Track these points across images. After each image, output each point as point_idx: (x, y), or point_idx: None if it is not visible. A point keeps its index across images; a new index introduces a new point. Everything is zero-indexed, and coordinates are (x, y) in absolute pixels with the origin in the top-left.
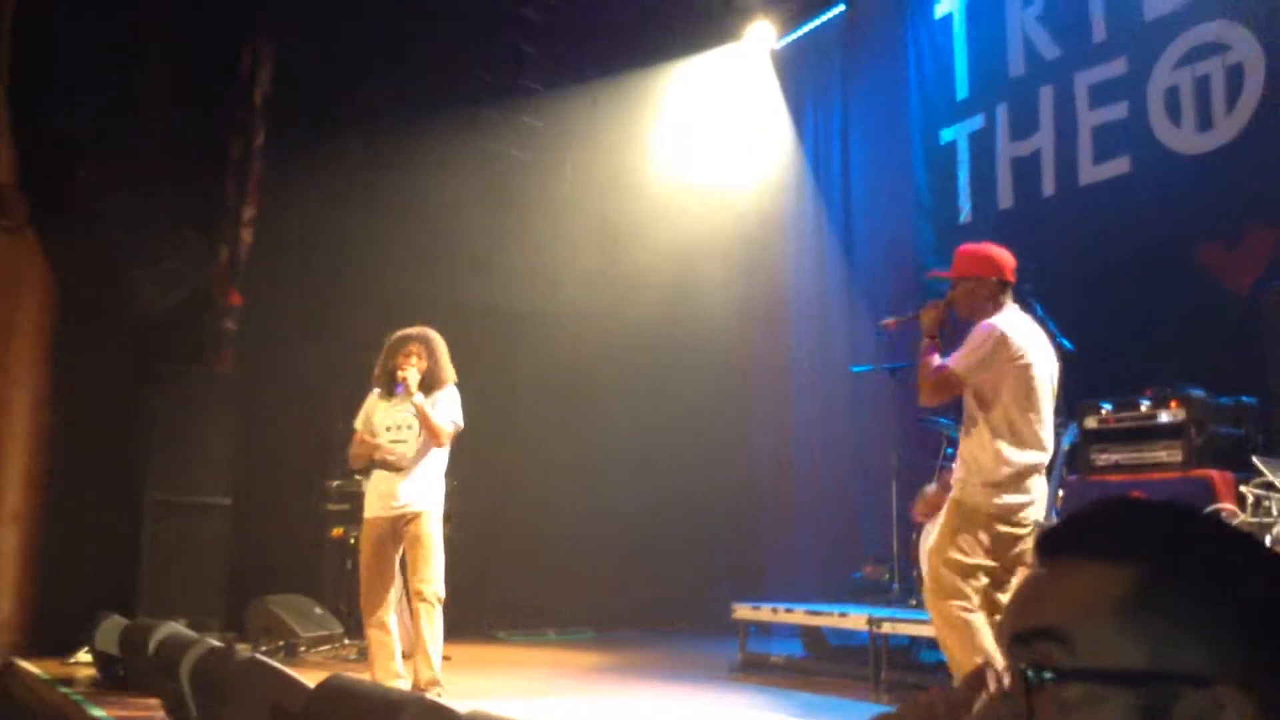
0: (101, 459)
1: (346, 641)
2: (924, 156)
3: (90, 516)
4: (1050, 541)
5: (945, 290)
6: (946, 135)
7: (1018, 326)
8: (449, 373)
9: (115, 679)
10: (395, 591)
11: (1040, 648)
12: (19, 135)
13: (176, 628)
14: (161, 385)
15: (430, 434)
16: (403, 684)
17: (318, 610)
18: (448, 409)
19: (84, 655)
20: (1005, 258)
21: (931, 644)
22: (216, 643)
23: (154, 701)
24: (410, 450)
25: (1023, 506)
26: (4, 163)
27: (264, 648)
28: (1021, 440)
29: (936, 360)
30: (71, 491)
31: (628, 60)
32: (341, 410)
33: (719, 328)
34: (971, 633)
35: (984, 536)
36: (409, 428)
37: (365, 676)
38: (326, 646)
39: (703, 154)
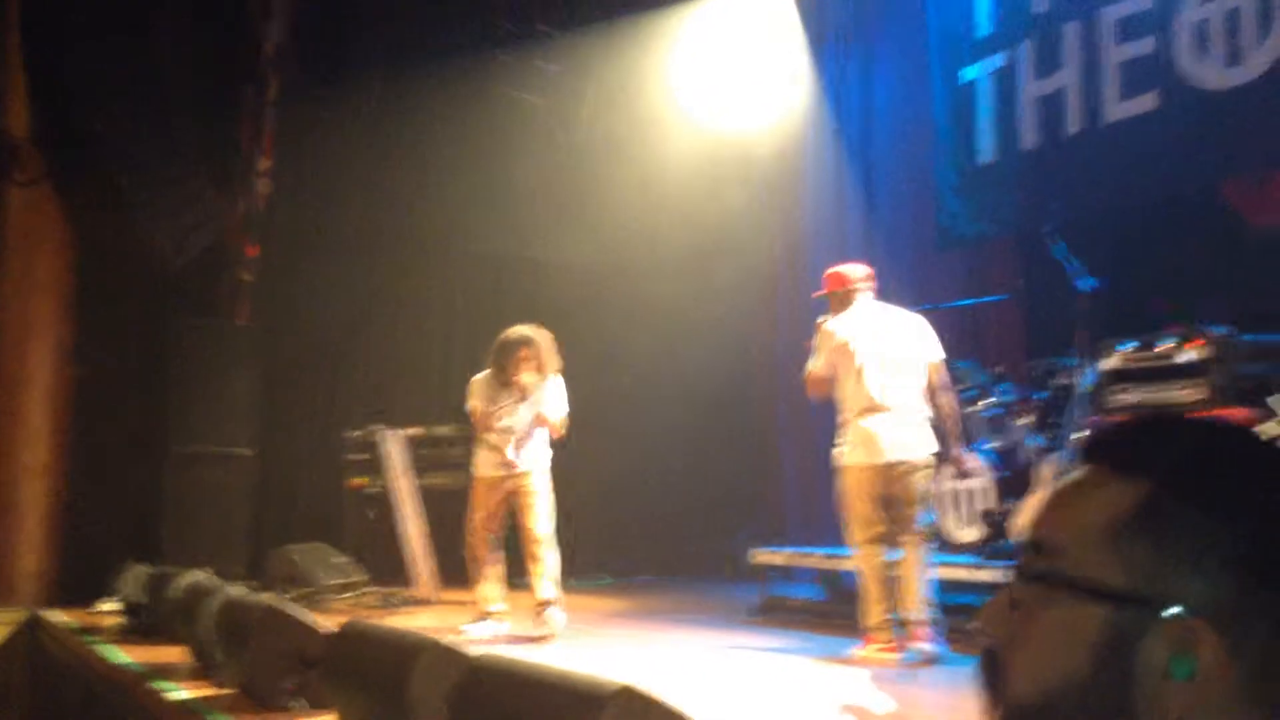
0: (124, 411)
1: (368, 589)
2: (945, 96)
3: (114, 468)
4: (1085, 447)
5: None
6: (968, 74)
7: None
8: (553, 365)
9: (141, 627)
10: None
11: (1036, 560)
12: (34, 89)
13: (200, 575)
14: (182, 337)
15: (549, 430)
16: (499, 607)
17: (339, 559)
18: (557, 401)
19: (110, 604)
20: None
21: (951, 586)
22: (239, 590)
23: (178, 649)
24: (520, 429)
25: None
26: (19, 116)
27: (287, 596)
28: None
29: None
30: (95, 443)
31: (643, 1)
32: (362, 360)
33: (739, 273)
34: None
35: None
36: (517, 415)
37: (386, 622)
38: (348, 594)
39: (721, 95)
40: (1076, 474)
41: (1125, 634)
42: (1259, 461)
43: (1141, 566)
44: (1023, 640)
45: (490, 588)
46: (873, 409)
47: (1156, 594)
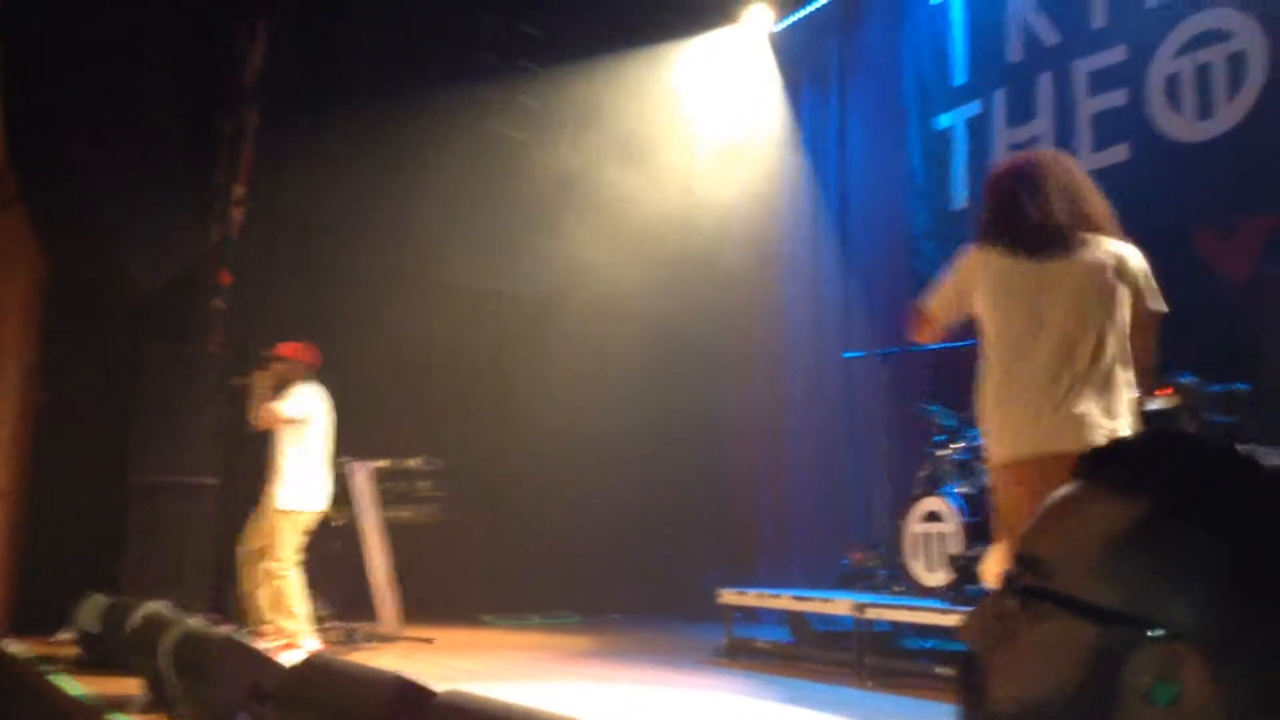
0: (90, 437)
1: (331, 624)
2: (920, 142)
3: (77, 495)
4: (1085, 462)
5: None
6: (943, 121)
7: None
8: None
9: (97, 658)
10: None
11: (1025, 575)
12: (9, 110)
13: (157, 607)
14: (151, 364)
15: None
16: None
17: None
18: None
19: (67, 634)
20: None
21: (915, 630)
22: (197, 622)
23: (134, 680)
24: None
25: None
26: None
27: (247, 629)
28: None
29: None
30: (58, 470)
31: (625, 41)
32: (333, 390)
33: (714, 313)
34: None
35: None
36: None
37: (350, 658)
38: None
39: (700, 138)
40: (1070, 490)
41: (1111, 654)
42: (1256, 483)
43: (1133, 586)
44: (1006, 652)
45: None
46: (322, 468)
47: (1145, 614)
